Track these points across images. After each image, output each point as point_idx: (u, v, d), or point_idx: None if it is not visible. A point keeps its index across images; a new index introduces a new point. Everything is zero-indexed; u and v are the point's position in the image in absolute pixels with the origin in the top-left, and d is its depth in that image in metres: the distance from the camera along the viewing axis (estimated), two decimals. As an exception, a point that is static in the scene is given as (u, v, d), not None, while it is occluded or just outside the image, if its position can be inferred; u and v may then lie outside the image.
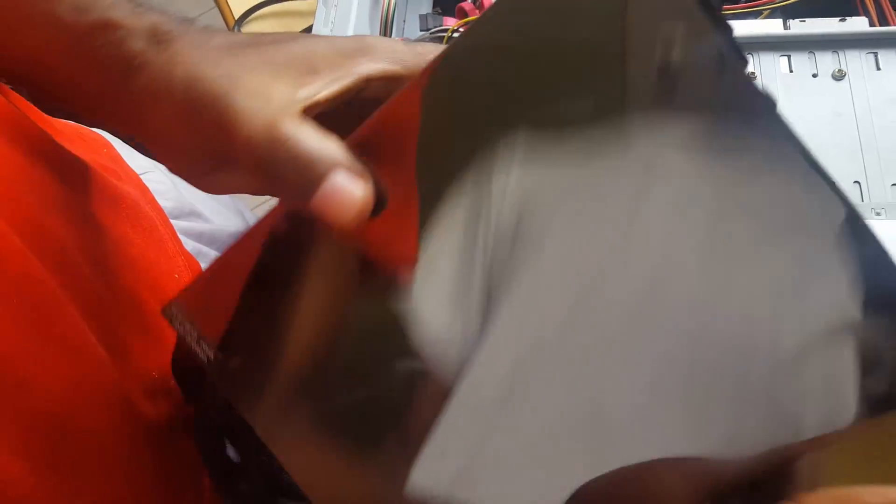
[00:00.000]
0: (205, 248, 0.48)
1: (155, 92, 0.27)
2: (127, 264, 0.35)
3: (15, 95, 0.33)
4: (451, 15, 0.62)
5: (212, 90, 0.25)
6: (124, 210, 0.38)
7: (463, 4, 0.60)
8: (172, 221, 0.46)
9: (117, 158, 0.44)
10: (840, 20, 0.47)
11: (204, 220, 0.51)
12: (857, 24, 0.47)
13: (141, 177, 0.46)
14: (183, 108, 0.26)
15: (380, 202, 0.24)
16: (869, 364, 0.22)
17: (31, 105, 0.35)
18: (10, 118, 0.30)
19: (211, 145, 0.27)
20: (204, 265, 0.45)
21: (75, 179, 0.34)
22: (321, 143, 0.24)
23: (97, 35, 0.27)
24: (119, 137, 0.37)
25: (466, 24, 0.59)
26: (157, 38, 0.27)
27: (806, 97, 0.46)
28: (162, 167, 0.52)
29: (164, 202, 0.47)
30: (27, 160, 0.29)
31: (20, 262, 0.26)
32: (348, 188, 0.23)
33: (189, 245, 0.46)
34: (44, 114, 0.35)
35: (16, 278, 0.26)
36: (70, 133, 0.41)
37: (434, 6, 0.65)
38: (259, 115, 0.24)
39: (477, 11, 0.60)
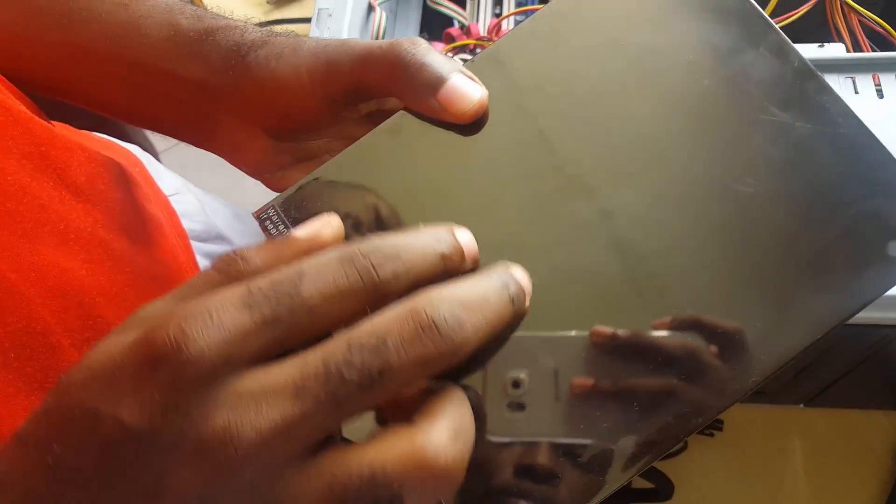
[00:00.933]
0: None
1: (280, 54, 0.32)
2: (142, 297, 0.35)
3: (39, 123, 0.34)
4: (439, 40, 0.63)
5: (340, 40, 0.32)
6: (145, 237, 0.37)
7: (451, 30, 0.61)
8: (198, 244, 0.46)
9: (148, 178, 0.44)
10: (819, 46, 0.49)
11: (228, 244, 0.50)
12: (835, 51, 0.49)
13: (170, 198, 0.45)
14: (312, 55, 0.32)
15: None
16: None
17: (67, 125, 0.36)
18: (25, 137, 0.30)
19: (329, 87, 0.32)
20: None
21: (97, 202, 0.34)
22: (444, 56, 0.29)
23: (215, 33, 0.34)
24: (198, 138, 0.38)
25: (454, 48, 0.60)
26: (264, 36, 0.34)
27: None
28: (192, 188, 0.52)
29: (193, 225, 0.47)
30: (50, 185, 0.29)
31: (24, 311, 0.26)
32: (470, 84, 0.29)
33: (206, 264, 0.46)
34: (71, 136, 0.35)
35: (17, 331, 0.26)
36: (102, 146, 0.41)
37: (421, 31, 0.66)
38: (383, 41, 0.30)
39: (464, 37, 0.61)
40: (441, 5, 0.61)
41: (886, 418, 0.50)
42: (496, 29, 0.59)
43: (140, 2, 0.36)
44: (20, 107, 0.31)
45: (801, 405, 0.50)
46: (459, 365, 0.21)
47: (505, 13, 0.63)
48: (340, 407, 0.20)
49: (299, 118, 0.34)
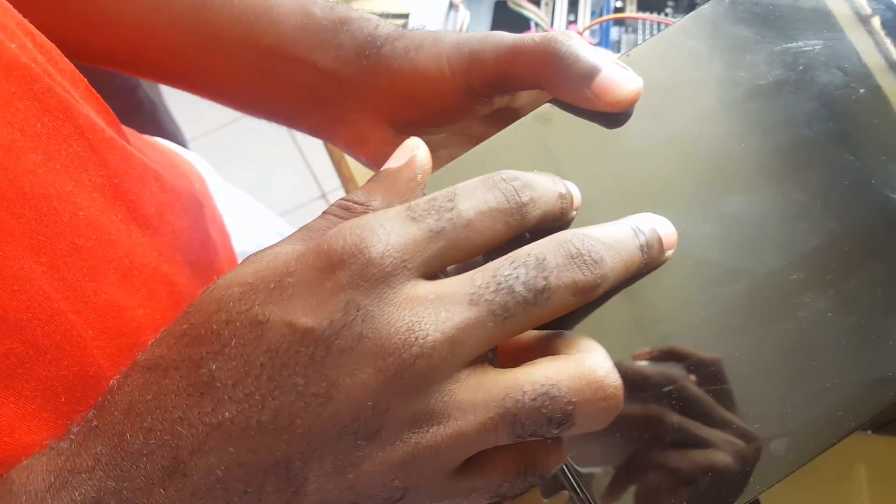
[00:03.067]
0: None
1: (420, 45, 0.33)
2: None
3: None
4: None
5: (482, 33, 0.32)
6: (206, 264, 0.37)
7: (528, 32, 0.61)
8: None
9: (208, 195, 0.44)
10: None
11: None
12: None
13: (225, 218, 0.45)
14: (454, 46, 0.32)
15: None
16: None
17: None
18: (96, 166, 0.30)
19: (470, 77, 0.32)
20: None
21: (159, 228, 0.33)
22: (595, 48, 0.30)
23: (349, 23, 0.34)
24: (319, 128, 0.38)
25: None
26: (398, 30, 0.34)
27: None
28: (249, 203, 0.52)
29: (246, 246, 0.47)
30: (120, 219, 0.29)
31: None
32: (625, 74, 0.28)
33: None
34: (146, 161, 0.34)
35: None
36: (169, 164, 0.41)
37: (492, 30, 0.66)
38: (535, 34, 0.31)
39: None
40: (522, 7, 0.61)
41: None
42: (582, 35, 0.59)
43: None
44: (101, 132, 0.31)
45: (869, 432, 0.50)
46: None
47: (580, 18, 0.64)
48: (508, 321, 0.20)
49: (434, 109, 0.34)
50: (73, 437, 0.22)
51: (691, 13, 0.31)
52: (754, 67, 0.30)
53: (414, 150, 0.25)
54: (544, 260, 0.21)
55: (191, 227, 0.36)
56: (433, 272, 0.21)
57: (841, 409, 0.26)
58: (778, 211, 0.28)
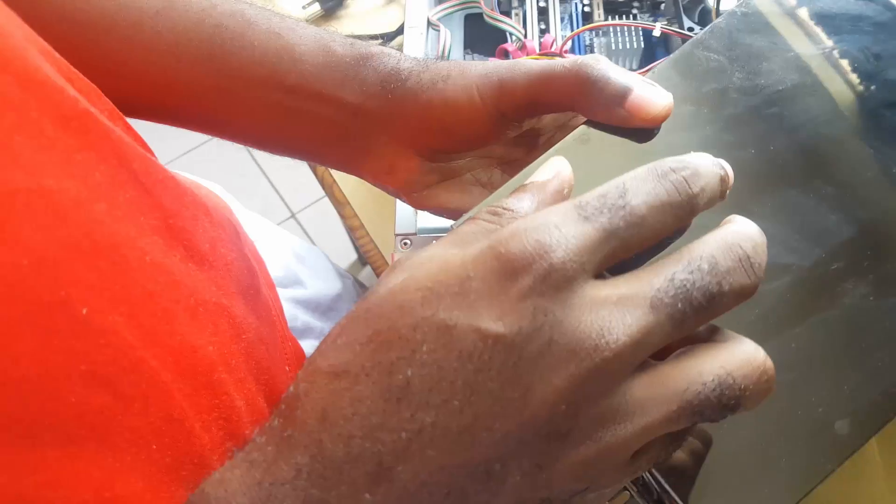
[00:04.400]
0: (302, 315, 0.48)
1: (448, 76, 0.34)
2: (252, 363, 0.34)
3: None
4: (483, 55, 0.64)
5: (509, 62, 0.33)
6: (254, 293, 0.37)
7: (505, 46, 0.63)
8: (281, 290, 0.46)
9: (239, 223, 0.44)
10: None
11: (303, 287, 0.50)
12: None
13: (256, 243, 0.45)
14: (482, 76, 0.33)
15: None
16: None
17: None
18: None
19: (501, 104, 0.33)
20: (304, 340, 0.44)
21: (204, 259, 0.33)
22: (622, 69, 0.31)
23: (371, 59, 0.35)
24: (346, 161, 0.39)
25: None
26: (420, 62, 0.35)
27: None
28: (276, 233, 0.51)
29: (277, 271, 0.46)
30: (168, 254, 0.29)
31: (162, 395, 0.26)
32: (655, 90, 0.30)
33: (289, 310, 0.45)
34: (194, 196, 0.35)
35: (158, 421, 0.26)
36: (207, 194, 0.41)
37: (465, 47, 0.67)
38: (564, 60, 0.32)
39: (520, 53, 0.62)
40: (500, 21, 0.63)
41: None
42: (563, 46, 0.60)
43: (291, 30, 0.36)
44: (154, 172, 0.30)
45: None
46: None
47: (551, 26, 0.65)
48: (684, 324, 0.21)
49: (464, 136, 0.35)
50: (261, 446, 0.22)
51: (708, 27, 0.33)
52: (772, 74, 0.32)
53: (561, 166, 0.26)
54: (717, 264, 0.21)
55: (238, 257, 0.36)
56: (603, 269, 0.22)
57: (893, 385, 0.28)
58: (811, 206, 0.30)
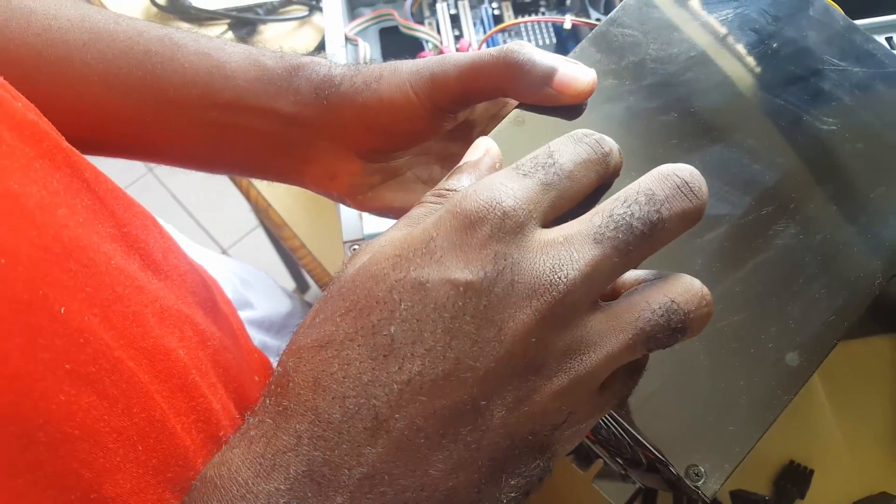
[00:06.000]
0: (257, 334, 0.47)
1: (380, 76, 0.34)
2: (220, 371, 0.35)
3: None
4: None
5: (436, 56, 0.34)
6: (212, 306, 0.37)
7: (423, 54, 0.64)
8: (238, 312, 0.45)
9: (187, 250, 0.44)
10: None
11: (252, 308, 0.50)
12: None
13: (204, 265, 0.45)
14: (413, 72, 0.34)
15: None
16: None
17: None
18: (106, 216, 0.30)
19: (435, 97, 0.34)
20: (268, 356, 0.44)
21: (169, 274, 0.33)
22: (545, 51, 0.32)
23: (302, 68, 0.36)
24: (288, 172, 0.39)
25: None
26: (351, 67, 0.36)
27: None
28: (218, 260, 0.51)
29: (229, 294, 0.46)
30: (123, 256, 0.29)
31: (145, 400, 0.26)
32: (579, 68, 0.32)
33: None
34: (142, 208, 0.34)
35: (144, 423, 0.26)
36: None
37: (384, 57, 0.68)
38: (491, 49, 0.33)
39: (438, 58, 0.64)
40: (415, 30, 0.64)
41: (881, 342, 0.57)
42: (479, 49, 0.62)
43: (220, 49, 0.37)
44: (104, 182, 0.31)
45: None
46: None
47: (464, 31, 0.67)
48: (630, 253, 0.23)
49: (403, 133, 0.36)
50: (257, 423, 0.22)
51: (619, 6, 0.34)
52: (683, 42, 0.34)
53: (488, 144, 0.28)
54: (654, 195, 0.23)
55: (190, 270, 0.36)
56: (548, 221, 0.24)
57: (832, 313, 0.30)
58: (736, 159, 0.32)
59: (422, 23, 0.68)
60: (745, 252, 0.31)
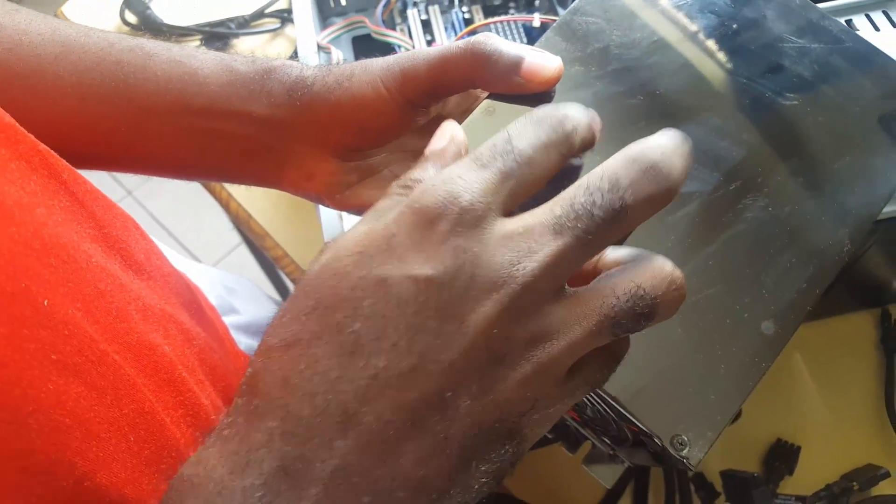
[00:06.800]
0: (244, 338, 0.48)
1: (351, 74, 0.35)
2: (208, 369, 0.35)
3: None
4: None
5: (406, 52, 0.35)
6: (196, 308, 0.37)
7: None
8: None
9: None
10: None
11: (238, 314, 0.50)
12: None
13: (186, 273, 0.45)
14: (384, 68, 0.34)
15: None
16: None
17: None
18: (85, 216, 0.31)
19: (407, 92, 0.34)
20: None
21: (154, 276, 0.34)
22: (511, 42, 0.33)
23: (273, 71, 0.36)
24: (265, 175, 0.39)
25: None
26: (323, 68, 0.36)
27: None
28: (202, 269, 0.51)
29: (212, 300, 0.46)
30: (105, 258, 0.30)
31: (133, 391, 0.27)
32: (544, 55, 0.32)
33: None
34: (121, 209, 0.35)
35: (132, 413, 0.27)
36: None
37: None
38: (458, 42, 0.34)
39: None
40: (387, 35, 0.65)
41: (860, 317, 0.58)
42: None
43: (192, 56, 0.37)
44: (83, 183, 0.31)
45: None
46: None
47: (436, 35, 0.68)
48: (590, 243, 0.23)
49: (377, 129, 0.36)
50: (231, 423, 0.23)
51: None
52: (646, 28, 0.35)
53: (453, 130, 0.28)
54: (618, 181, 0.23)
55: (173, 272, 0.36)
56: (510, 209, 0.24)
57: (804, 281, 0.31)
58: (703, 137, 0.33)
59: (394, 29, 0.69)
60: (716, 227, 0.31)
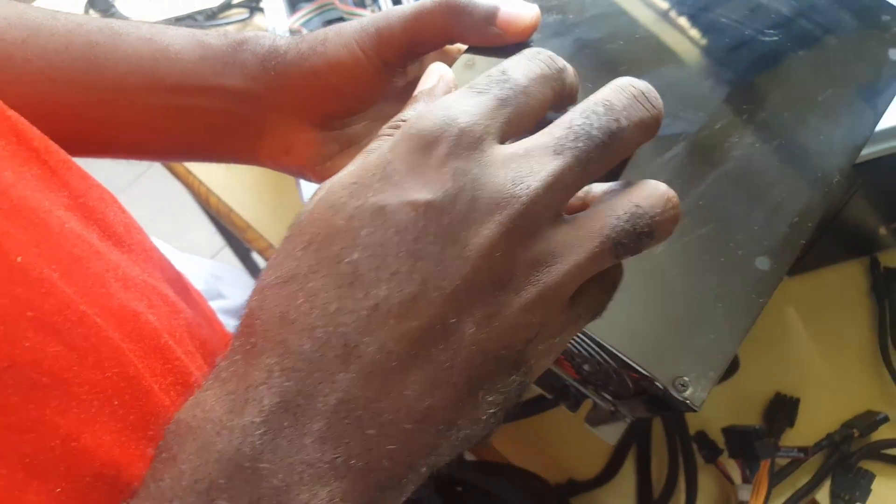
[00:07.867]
0: (232, 322, 0.47)
1: (325, 39, 0.34)
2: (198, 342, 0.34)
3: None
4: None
5: (380, 12, 0.34)
6: (182, 286, 0.37)
7: None
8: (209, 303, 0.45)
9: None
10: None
11: (224, 298, 0.50)
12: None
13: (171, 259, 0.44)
14: (358, 30, 0.33)
15: None
16: None
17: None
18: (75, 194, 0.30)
19: (383, 52, 0.33)
20: None
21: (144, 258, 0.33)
22: None
23: (245, 43, 0.35)
24: (244, 150, 0.38)
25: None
26: (296, 37, 0.35)
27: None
28: (187, 257, 0.49)
29: (199, 284, 0.45)
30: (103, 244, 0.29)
31: (123, 364, 0.26)
32: (521, 4, 0.31)
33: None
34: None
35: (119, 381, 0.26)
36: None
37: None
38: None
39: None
40: (356, 15, 0.64)
41: (850, 267, 0.58)
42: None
43: (163, 33, 0.36)
44: (56, 153, 0.30)
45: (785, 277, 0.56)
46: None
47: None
48: (589, 164, 0.22)
49: (355, 94, 0.35)
50: (228, 364, 0.22)
51: None
52: None
53: (441, 70, 0.28)
54: (612, 105, 0.23)
55: (154, 248, 0.35)
56: (507, 138, 0.23)
57: (795, 216, 0.30)
58: (685, 78, 0.32)
59: (364, 7, 0.68)
60: (704, 166, 0.31)
